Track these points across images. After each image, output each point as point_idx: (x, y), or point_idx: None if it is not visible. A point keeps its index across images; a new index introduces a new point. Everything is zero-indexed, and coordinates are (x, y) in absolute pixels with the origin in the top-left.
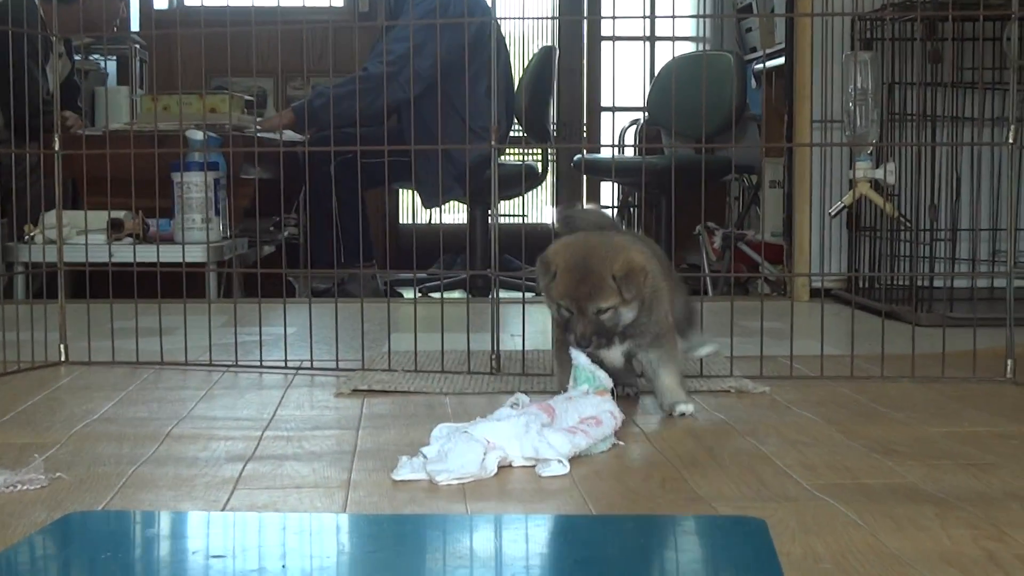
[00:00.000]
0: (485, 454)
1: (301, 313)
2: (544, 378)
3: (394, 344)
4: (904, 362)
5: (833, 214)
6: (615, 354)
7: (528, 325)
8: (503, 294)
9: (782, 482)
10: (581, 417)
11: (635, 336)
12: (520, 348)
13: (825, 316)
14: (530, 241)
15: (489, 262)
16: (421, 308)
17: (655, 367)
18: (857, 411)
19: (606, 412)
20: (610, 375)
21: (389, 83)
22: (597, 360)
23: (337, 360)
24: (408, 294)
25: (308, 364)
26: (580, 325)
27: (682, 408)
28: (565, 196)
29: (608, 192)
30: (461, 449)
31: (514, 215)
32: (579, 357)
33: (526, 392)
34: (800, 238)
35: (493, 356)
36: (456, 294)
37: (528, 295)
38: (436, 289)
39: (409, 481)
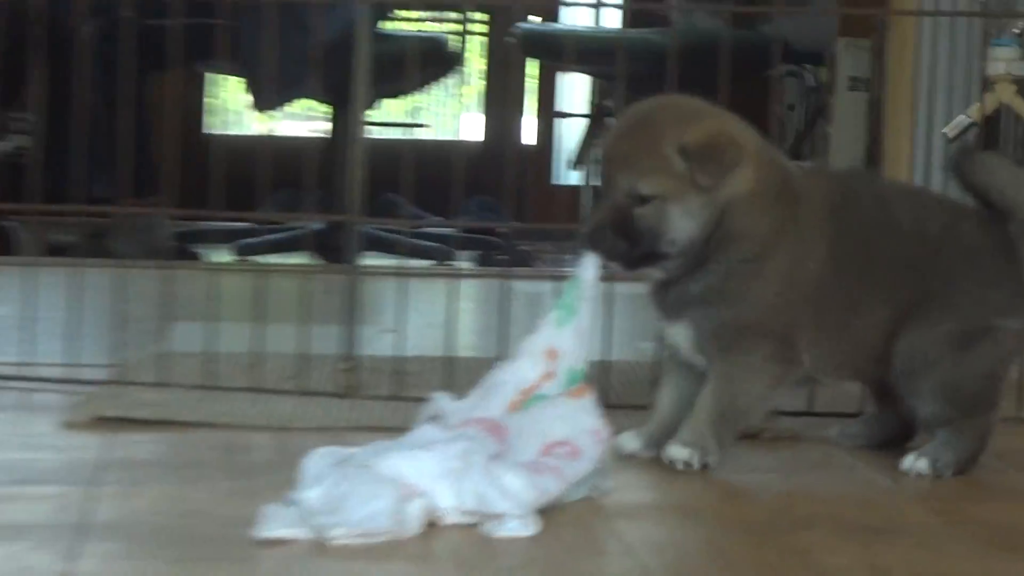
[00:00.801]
0: (402, 501)
1: (20, 282)
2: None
3: (177, 341)
4: None
5: (952, 136)
6: (679, 332)
7: (412, 314)
8: (370, 259)
9: None
10: (546, 443)
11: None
12: (394, 353)
13: None
14: (433, 170)
15: (351, 204)
16: (232, 281)
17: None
18: (972, 476)
19: (584, 432)
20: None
21: None
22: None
23: (75, 365)
24: (215, 257)
25: (22, 371)
26: (597, 212)
27: (673, 453)
28: (497, 95)
29: (572, 90)
30: (363, 492)
31: (405, 124)
32: (586, 266)
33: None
34: (895, 174)
35: (345, 366)
36: (302, 259)
37: (418, 263)
38: (262, 249)
39: (277, 542)
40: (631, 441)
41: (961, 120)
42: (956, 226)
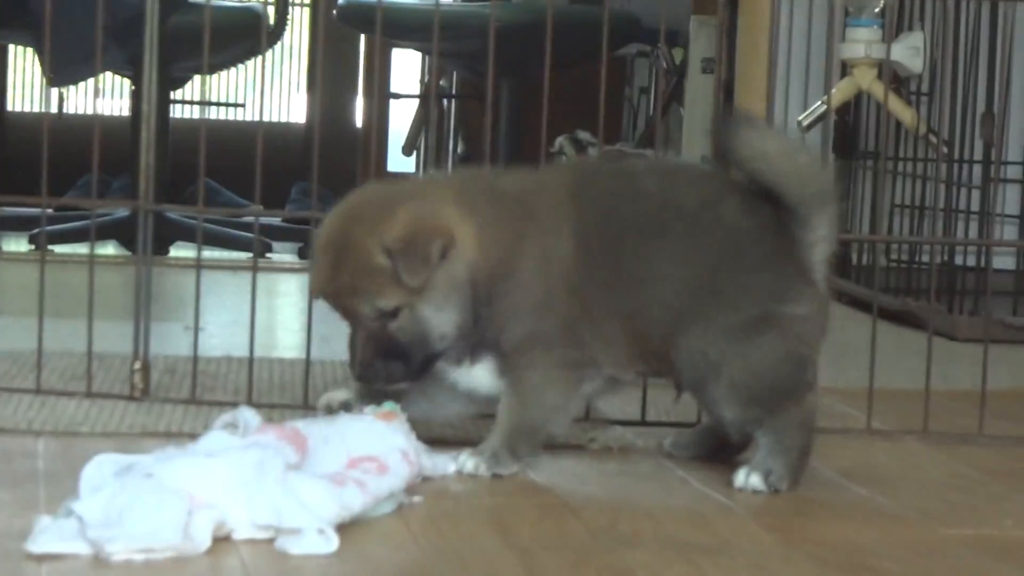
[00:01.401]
0: (190, 514)
1: None
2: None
3: None
4: (913, 406)
5: (807, 124)
6: (478, 375)
7: (215, 310)
8: (183, 251)
9: None
10: (352, 456)
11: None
12: (194, 354)
13: None
14: (249, 154)
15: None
16: (25, 271)
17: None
18: (812, 491)
19: (395, 451)
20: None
21: None
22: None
23: None
24: (8, 246)
25: None
26: (358, 342)
27: (461, 462)
28: (323, 73)
29: (406, 69)
30: (146, 503)
31: (220, 103)
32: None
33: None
34: None
35: (137, 367)
36: (108, 248)
37: (224, 254)
38: (59, 238)
39: (52, 557)
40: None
41: (816, 108)
42: (718, 203)
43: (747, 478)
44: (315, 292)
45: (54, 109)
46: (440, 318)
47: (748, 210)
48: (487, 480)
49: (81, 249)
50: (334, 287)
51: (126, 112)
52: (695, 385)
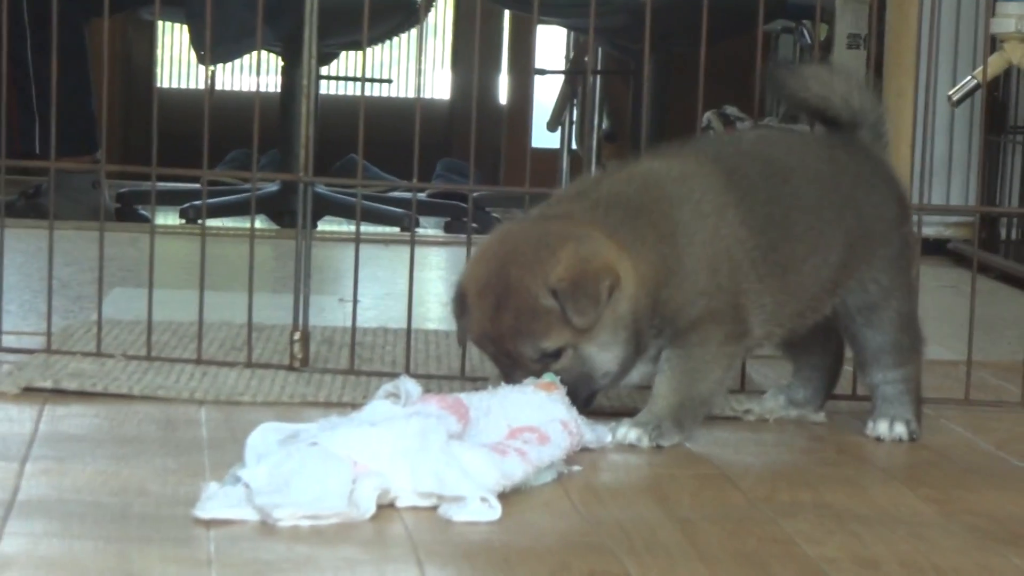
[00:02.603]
0: (354, 481)
1: None
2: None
3: (114, 308)
4: None
5: (957, 99)
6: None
7: (368, 283)
8: (332, 225)
9: None
10: (512, 427)
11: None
12: (351, 324)
13: (933, 289)
14: (399, 131)
15: (301, 162)
16: (177, 245)
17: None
18: (970, 466)
19: (555, 421)
20: None
21: None
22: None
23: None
24: (159, 219)
25: None
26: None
27: (622, 433)
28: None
29: (551, 45)
30: (312, 471)
31: (363, 79)
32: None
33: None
34: (896, 143)
35: (296, 337)
36: (256, 222)
37: (372, 228)
38: (210, 212)
39: (220, 523)
40: (775, 399)
41: (966, 83)
42: (835, 158)
43: (891, 429)
44: (474, 336)
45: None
46: (604, 356)
47: (854, 155)
48: (645, 451)
49: (233, 223)
50: (496, 330)
51: (273, 88)
52: (864, 309)
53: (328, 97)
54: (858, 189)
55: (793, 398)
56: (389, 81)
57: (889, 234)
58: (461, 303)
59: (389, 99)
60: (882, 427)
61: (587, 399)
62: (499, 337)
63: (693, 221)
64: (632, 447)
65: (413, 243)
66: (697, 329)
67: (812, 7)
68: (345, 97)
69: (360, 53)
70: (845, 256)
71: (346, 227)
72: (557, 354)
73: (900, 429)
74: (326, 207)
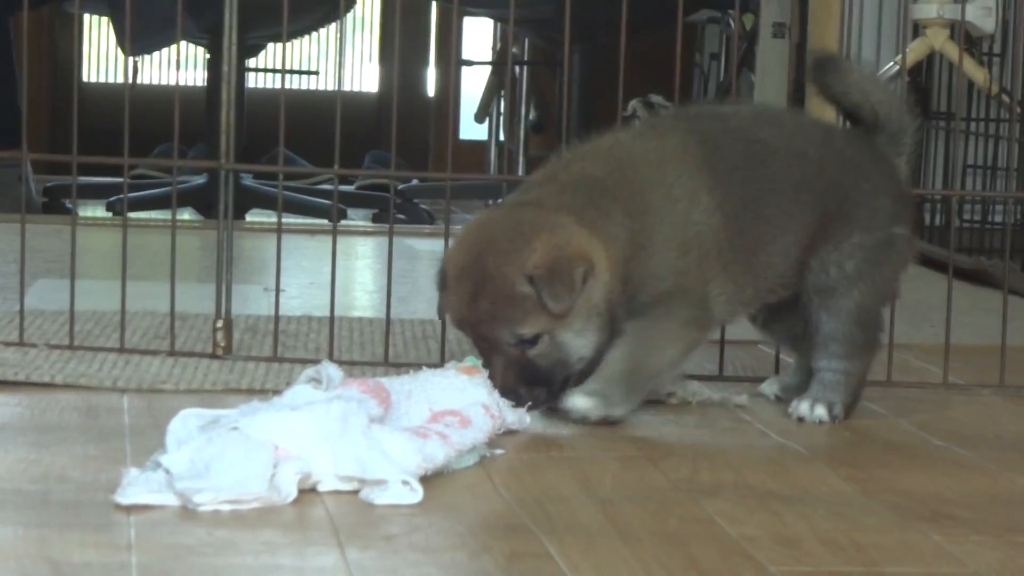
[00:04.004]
0: (275, 466)
1: None
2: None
3: (37, 299)
4: (989, 361)
5: None
6: None
7: (294, 272)
8: (260, 217)
9: (734, 570)
10: (434, 411)
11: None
12: (274, 312)
13: None
14: (323, 122)
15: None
16: (103, 236)
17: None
18: (892, 446)
19: (476, 405)
20: None
21: None
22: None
23: None
24: (84, 211)
25: None
26: (498, 369)
27: (573, 402)
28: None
29: (478, 36)
30: (233, 455)
31: (290, 71)
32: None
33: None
34: None
35: (219, 325)
36: (184, 214)
37: (295, 219)
38: (137, 205)
39: (140, 508)
40: (770, 387)
41: (890, 68)
42: (830, 142)
43: (812, 409)
44: (453, 320)
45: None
46: (579, 342)
47: (855, 143)
48: (567, 433)
49: (160, 215)
50: (473, 316)
51: (200, 83)
52: (821, 293)
53: (256, 91)
54: (846, 175)
55: (787, 385)
56: (315, 73)
57: (871, 224)
58: (443, 279)
59: (317, 92)
60: (804, 407)
61: (562, 384)
62: (477, 322)
63: (664, 205)
64: (553, 429)
65: (335, 231)
66: (662, 304)
67: None
68: (273, 90)
69: (288, 45)
70: (816, 235)
71: (274, 218)
72: (534, 340)
73: (820, 411)
74: (254, 199)
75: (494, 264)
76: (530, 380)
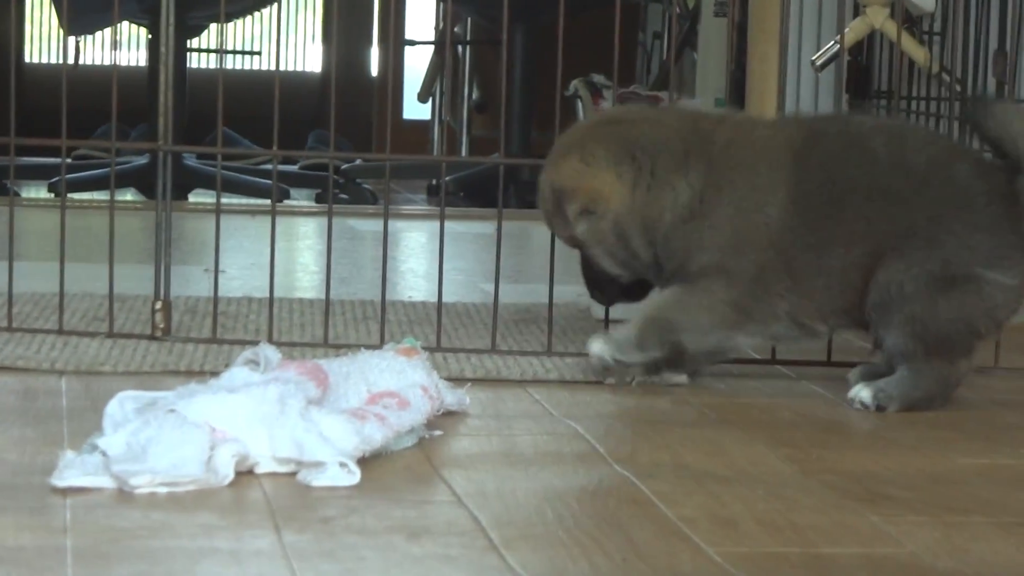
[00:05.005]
0: (212, 448)
1: None
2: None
3: None
4: None
5: (820, 64)
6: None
7: (235, 253)
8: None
9: (671, 552)
10: (372, 392)
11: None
12: (214, 295)
13: None
14: (267, 103)
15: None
16: (44, 217)
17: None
18: (831, 426)
19: (415, 386)
20: None
21: None
22: None
23: None
24: (27, 192)
25: None
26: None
27: (590, 344)
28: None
29: (421, 16)
30: (169, 438)
31: (236, 51)
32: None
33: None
34: (760, 107)
35: (158, 307)
36: (127, 194)
37: (237, 200)
38: (78, 185)
39: (77, 491)
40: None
41: (828, 49)
42: (949, 164)
43: (859, 391)
44: None
45: (71, 59)
46: (600, 259)
47: (981, 174)
48: (507, 414)
49: (102, 196)
50: (543, 207)
51: (143, 63)
52: (878, 307)
53: (199, 71)
54: (950, 201)
55: (874, 372)
56: (258, 53)
57: (951, 258)
58: None
59: (260, 72)
60: (854, 389)
61: (620, 291)
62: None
63: (740, 188)
64: (493, 409)
65: (274, 211)
66: (706, 277)
67: None
68: (216, 71)
69: (230, 25)
70: (892, 251)
71: (200, 196)
72: (573, 246)
73: (865, 393)
74: (196, 180)
75: (544, 172)
76: (593, 281)
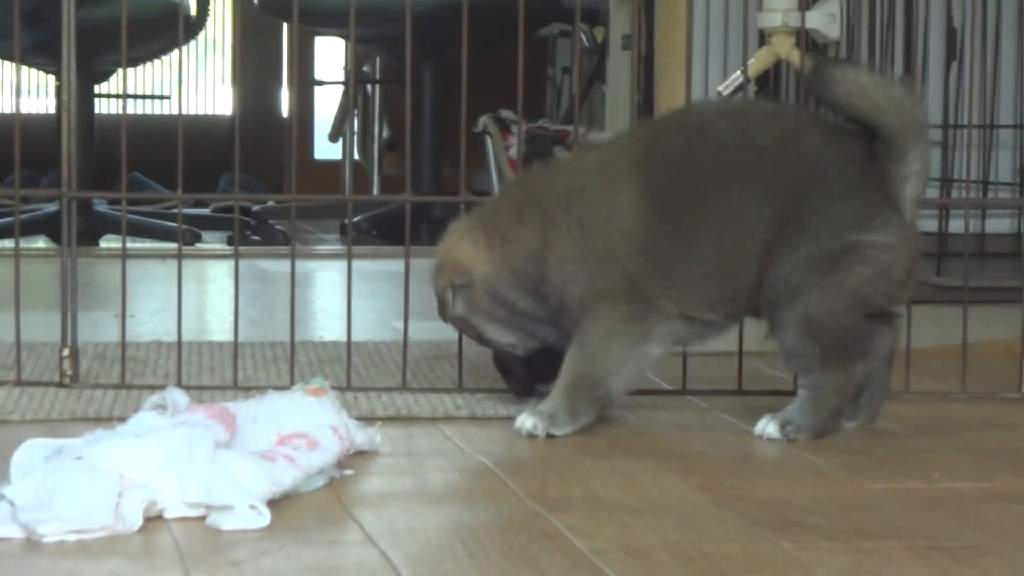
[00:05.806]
0: (120, 494)
1: None
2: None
3: None
4: None
5: (726, 94)
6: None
7: (144, 298)
8: (110, 241)
9: None
10: (281, 434)
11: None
12: (121, 340)
13: None
14: (168, 146)
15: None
16: None
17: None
18: (743, 455)
19: (324, 427)
20: None
21: None
22: None
23: None
24: None
25: None
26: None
27: (519, 421)
28: (247, 64)
29: (331, 56)
30: (77, 485)
31: (143, 96)
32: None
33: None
34: None
35: (65, 354)
36: (39, 242)
37: (147, 244)
38: None
39: None
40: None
41: (733, 79)
42: (796, 139)
43: (765, 426)
44: None
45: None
46: (488, 331)
47: (830, 142)
48: (418, 451)
49: (7, 244)
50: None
51: (52, 110)
52: (770, 306)
53: (109, 116)
54: (803, 176)
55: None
56: (167, 98)
57: (819, 233)
58: None
59: (171, 116)
60: (759, 424)
61: (533, 373)
62: None
63: (581, 210)
64: (420, 447)
65: (181, 254)
66: (590, 311)
67: (586, 10)
68: (128, 116)
69: (138, 70)
70: (775, 243)
71: (128, 244)
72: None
73: (771, 428)
74: (106, 225)
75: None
76: (503, 369)
